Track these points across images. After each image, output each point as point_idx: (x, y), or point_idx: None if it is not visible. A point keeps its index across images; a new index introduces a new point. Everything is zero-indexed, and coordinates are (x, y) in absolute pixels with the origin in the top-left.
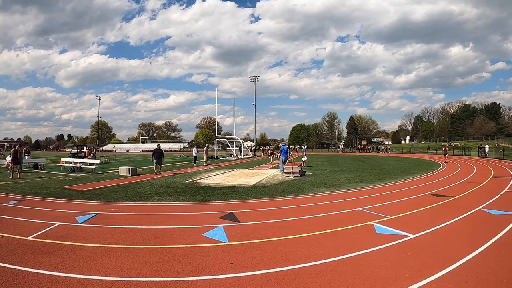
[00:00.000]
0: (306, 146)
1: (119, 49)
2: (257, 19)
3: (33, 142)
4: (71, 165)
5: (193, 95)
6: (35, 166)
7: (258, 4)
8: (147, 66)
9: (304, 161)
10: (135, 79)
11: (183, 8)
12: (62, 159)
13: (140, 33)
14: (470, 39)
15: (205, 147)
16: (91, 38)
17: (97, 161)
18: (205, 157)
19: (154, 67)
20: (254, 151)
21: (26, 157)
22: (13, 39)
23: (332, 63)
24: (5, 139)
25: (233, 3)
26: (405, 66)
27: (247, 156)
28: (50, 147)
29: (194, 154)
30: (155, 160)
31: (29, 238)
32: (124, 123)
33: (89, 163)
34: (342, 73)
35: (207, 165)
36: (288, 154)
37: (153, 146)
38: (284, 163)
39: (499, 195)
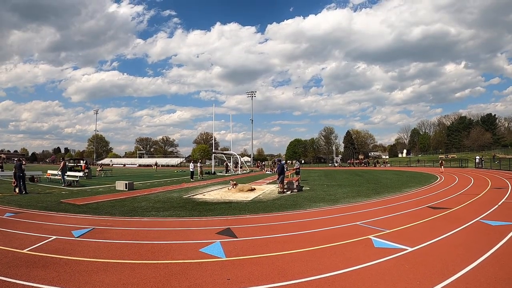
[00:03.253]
0: (302, 161)
1: (132, 66)
2: (266, 40)
3: (29, 154)
4: (59, 177)
5: (198, 111)
6: (31, 179)
7: (268, 26)
8: (156, 83)
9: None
10: (144, 95)
11: (192, 31)
12: (49, 171)
13: (152, 51)
14: (464, 57)
15: (198, 162)
16: (104, 55)
17: (80, 174)
18: (199, 170)
19: (163, 84)
20: (226, 166)
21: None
22: (27, 53)
23: (334, 82)
24: (1, 150)
25: (240, 25)
26: (402, 84)
27: (245, 172)
28: (47, 160)
29: (191, 170)
30: None
31: (25, 251)
32: (127, 138)
33: (73, 175)
34: (343, 90)
35: (202, 178)
36: (285, 169)
37: (150, 161)
38: (282, 179)
39: (496, 206)
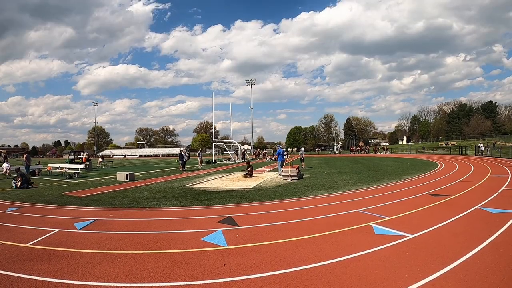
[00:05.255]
0: (303, 149)
1: (143, 59)
2: (277, 33)
3: (30, 148)
4: (60, 170)
5: (206, 101)
6: (33, 172)
7: (282, 21)
8: (167, 75)
9: (303, 164)
10: (155, 87)
11: (207, 26)
12: (50, 164)
13: (165, 45)
14: (466, 49)
15: (198, 152)
16: (117, 49)
17: (81, 166)
18: (199, 159)
19: (173, 76)
20: (244, 154)
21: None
22: (40, 49)
23: (340, 72)
24: (2, 146)
25: (256, 20)
26: (403, 74)
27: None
28: (47, 153)
29: (184, 160)
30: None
31: (28, 245)
32: (133, 129)
33: (74, 167)
34: (348, 80)
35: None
36: (285, 156)
37: (151, 151)
38: (281, 166)
39: (497, 193)
